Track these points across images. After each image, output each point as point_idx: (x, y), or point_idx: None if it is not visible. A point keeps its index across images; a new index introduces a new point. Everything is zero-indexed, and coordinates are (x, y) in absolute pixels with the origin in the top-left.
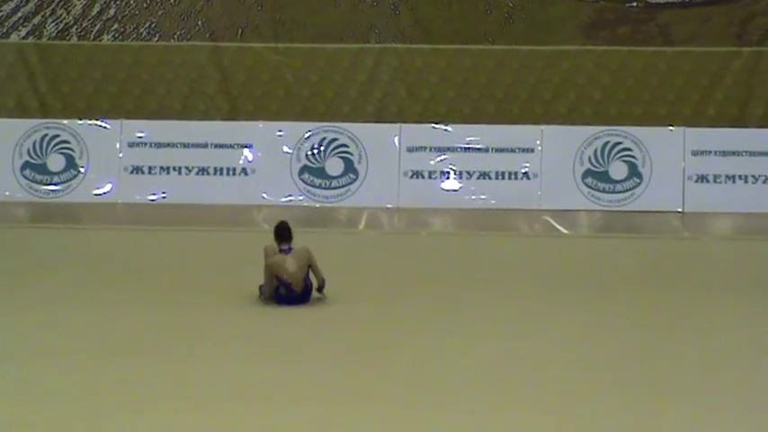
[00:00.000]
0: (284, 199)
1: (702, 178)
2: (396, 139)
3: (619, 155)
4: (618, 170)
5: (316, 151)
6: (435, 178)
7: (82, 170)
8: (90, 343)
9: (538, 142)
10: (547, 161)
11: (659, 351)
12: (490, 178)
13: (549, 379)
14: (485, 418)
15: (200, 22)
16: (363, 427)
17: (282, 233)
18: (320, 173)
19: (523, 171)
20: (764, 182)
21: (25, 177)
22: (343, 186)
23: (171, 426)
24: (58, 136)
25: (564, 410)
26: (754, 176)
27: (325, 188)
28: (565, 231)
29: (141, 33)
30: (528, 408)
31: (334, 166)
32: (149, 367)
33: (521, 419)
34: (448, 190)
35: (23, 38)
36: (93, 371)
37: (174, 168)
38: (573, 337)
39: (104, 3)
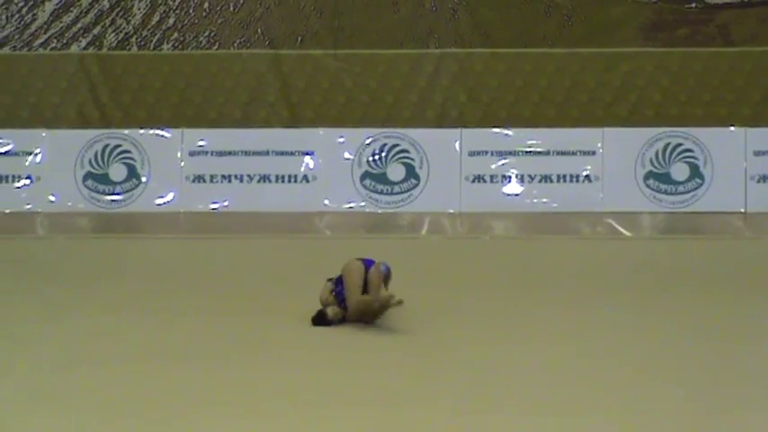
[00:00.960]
0: (346, 205)
1: (765, 178)
2: (457, 144)
3: (680, 156)
4: (680, 171)
5: (377, 157)
6: (497, 182)
7: (143, 180)
8: (148, 350)
9: (599, 145)
10: (608, 163)
11: (724, 356)
12: (552, 181)
13: (607, 383)
14: (538, 423)
15: (259, 30)
16: None
17: None
18: (382, 179)
19: (585, 174)
20: None
21: (87, 188)
22: (404, 192)
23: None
24: (119, 146)
25: (622, 415)
26: None
27: (386, 194)
28: (627, 234)
29: (201, 42)
30: (584, 413)
31: (395, 171)
32: (207, 373)
33: (579, 424)
34: (509, 194)
35: (84, 48)
36: (150, 377)
37: (236, 176)
38: (633, 340)
39: (164, 12)
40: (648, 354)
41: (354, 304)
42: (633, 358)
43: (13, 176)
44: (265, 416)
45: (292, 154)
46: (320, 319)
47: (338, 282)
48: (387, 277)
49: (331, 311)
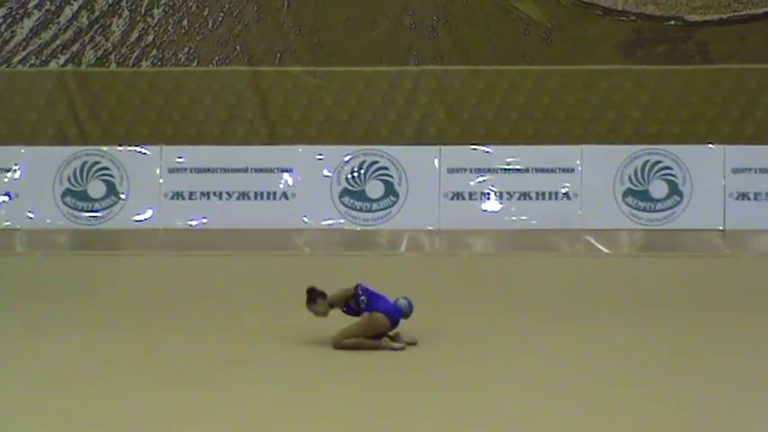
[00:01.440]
0: (325, 222)
1: (743, 196)
2: (436, 161)
3: (659, 173)
4: (658, 189)
5: (356, 174)
6: (476, 199)
7: (122, 196)
8: (129, 367)
9: (578, 162)
10: (587, 181)
11: (699, 371)
12: (530, 199)
13: (588, 399)
14: None
15: (238, 47)
16: None
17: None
18: (361, 196)
19: (564, 191)
20: None
21: (66, 205)
22: (383, 209)
23: None
24: (98, 163)
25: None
26: None
27: (365, 211)
28: (606, 251)
29: (180, 59)
30: (565, 430)
31: (374, 188)
32: (188, 391)
33: None
34: (488, 211)
35: (62, 65)
36: (132, 394)
37: (215, 193)
38: (613, 357)
39: (143, 29)
40: (628, 370)
41: (367, 321)
42: (613, 375)
43: None
44: None
45: (271, 171)
46: (313, 292)
47: (354, 306)
48: (407, 314)
49: (322, 306)
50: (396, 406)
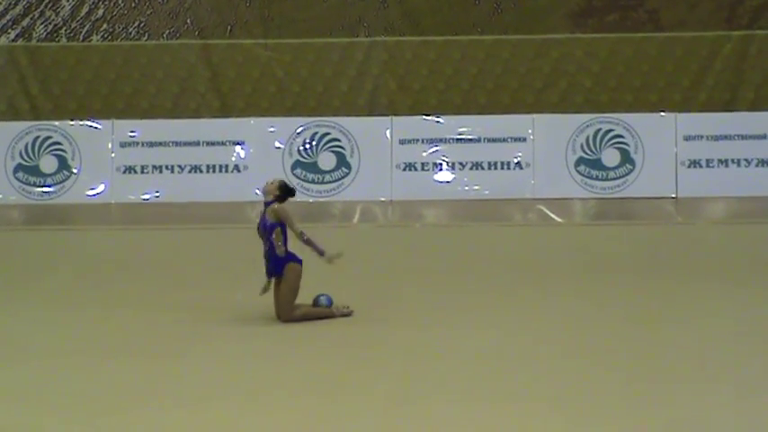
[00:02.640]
0: None
1: (695, 163)
2: (387, 132)
3: (611, 142)
4: (610, 157)
5: (308, 146)
6: (428, 170)
7: (75, 171)
8: (83, 343)
9: (530, 131)
10: (539, 150)
11: (652, 339)
12: (483, 169)
13: (542, 369)
14: (475, 410)
15: (188, 21)
16: (356, 422)
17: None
18: (313, 168)
19: (516, 161)
20: (756, 165)
21: (18, 180)
22: (336, 180)
23: (164, 425)
24: (50, 138)
25: (554, 400)
26: (746, 160)
27: (318, 183)
28: (559, 220)
29: (130, 33)
30: (519, 399)
31: (326, 160)
32: (143, 366)
33: (511, 410)
34: (441, 181)
35: (12, 40)
36: (86, 371)
37: (167, 167)
38: (567, 327)
39: (93, 3)
40: (580, 338)
41: (293, 277)
42: (565, 343)
43: None
44: (202, 407)
45: (223, 144)
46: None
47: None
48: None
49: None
50: (349, 377)
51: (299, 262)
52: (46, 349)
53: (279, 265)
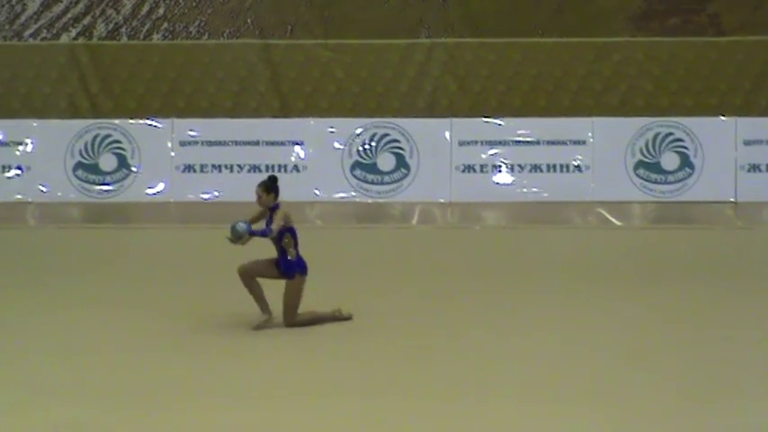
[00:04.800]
0: (336, 195)
1: (755, 168)
2: (447, 134)
3: (671, 145)
4: (670, 161)
5: (367, 147)
6: (487, 172)
7: (134, 170)
8: (140, 342)
9: (589, 134)
10: (598, 153)
11: (713, 344)
12: (542, 171)
13: (596, 372)
14: (529, 411)
15: (249, 20)
16: (409, 423)
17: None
18: (372, 168)
19: (575, 163)
20: None
21: (78, 178)
22: (395, 182)
23: (213, 422)
24: (109, 136)
25: (608, 402)
26: None
27: (377, 183)
28: (618, 223)
29: (191, 32)
30: (571, 402)
31: (385, 161)
32: (195, 364)
33: (562, 413)
34: (500, 183)
35: (74, 39)
36: (140, 368)
37: (226, 166)
38: (624, 330)
39: (154, 2)
40: (637, 342)
41: (299, 283)
42: (622, 347)
43: (4, 166)
44: (252, 405)
45: (283, 144)
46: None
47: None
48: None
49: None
50: (401, 378)
51: (305, 271)
52: (101, 346)
53: (290, 269)
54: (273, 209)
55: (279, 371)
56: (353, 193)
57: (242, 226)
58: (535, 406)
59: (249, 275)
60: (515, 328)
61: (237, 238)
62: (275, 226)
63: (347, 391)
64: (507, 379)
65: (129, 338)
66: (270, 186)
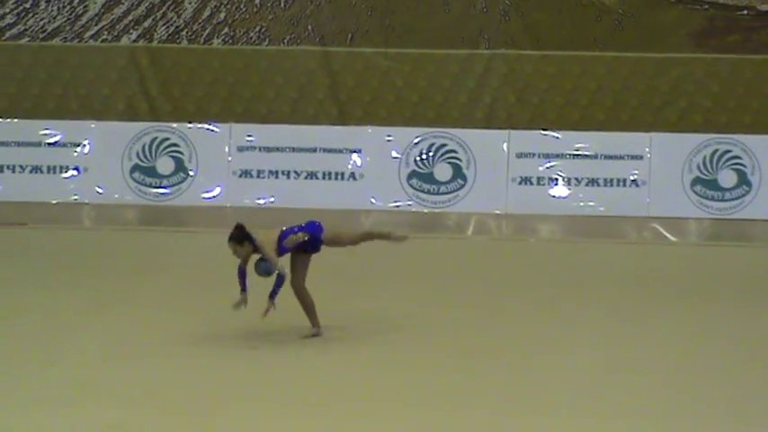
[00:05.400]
0: (392, 204)
1: None
2: (504, 145)
3: (728, 163)
4: (727, 178)
5: (424, 156)
6: (544, 184)
7: (191, 173)
8: (192, 345)
9: (647, 149)
10: (656, 168)
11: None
12: (599, 185)
13: (644, 387)
14: (578, 426)
15: (309, 27)
16: None
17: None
18: (429, 178)
19: (632, 178)
20: None
21: (134, 180)
22: (451, 192)
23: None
24: (167, 139)
25: (656, 421)
26: None
27: (433, 193)
28: (673, 239)
29: (251, 37)
30: (622, 416)
31: (442, 171)
32: (250, 370)
33: (614, 428)
34: (556, 196)
35: (134, 41)
36: (196, 371)
37: (283, 172)
38: (673, 346)
39: (215, 7)
40: (689, 361)
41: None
42: (673, 365)
43: (61, 167)
44: (310, 412)
45: (340, 151)
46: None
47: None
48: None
49: (246, 249)
50: (456, 388)
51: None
52: (153, 349)
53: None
54: (255, 249)
55: (331, 378)
56: (409, 203)
57: (266, 265)
58: (584, 420)
59: (301, 286)
60: (566, 342)
61: (269, 274)
62: (273, 260)
63: (400, 401)
64: (558, 394)
65: (180, 341)
66: (240, 237)
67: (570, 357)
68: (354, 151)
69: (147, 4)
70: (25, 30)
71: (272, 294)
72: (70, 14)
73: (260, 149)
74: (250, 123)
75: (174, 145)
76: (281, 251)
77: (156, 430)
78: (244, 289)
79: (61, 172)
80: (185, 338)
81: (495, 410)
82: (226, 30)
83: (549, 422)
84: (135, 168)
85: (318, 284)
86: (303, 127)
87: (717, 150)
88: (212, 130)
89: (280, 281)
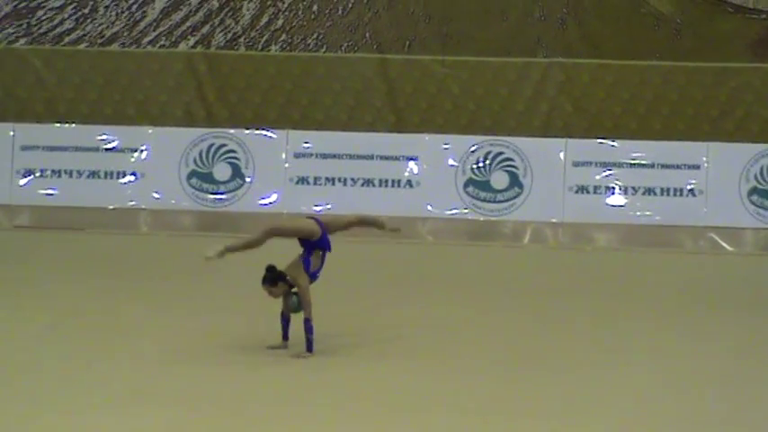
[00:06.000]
0: (449, 212)
1: None
2: (561, 154)
3: None
4: None
5: (481, 164)
6: (600, 193)
7: (248, 180)
8: (246, 350)
9: (704, 159)
10: (712, 178)
11: None
12: (655, 194)
13: (698, 400)
14: None
15: (367, 34)
16: None
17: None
18: (485, 186)
19: (689, 188)
20: None
21: (191, 186)
22: (508, 200)
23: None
24: (224, 145)
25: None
26: None
27: (490, 201)
28: (730, 249)
29: (309, 44)
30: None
31: (499, 179)
32: (305, 374)
33: None
34: (613, 205)
35: (192, 47)
36: (248, 377)
37: (340, 179)
38: (732, 360)
39: (273, 14)
40: (745, 373)
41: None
42: (729, 377)
43: (118, 173)
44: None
45: (397, 159)
46: (274, 272)
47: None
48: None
49: (282, 288)
50: (505, 397)
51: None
52: (208, 354)
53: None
54: (291, 285)
55: (388, 385)
56: (465, 210)
57: (295, 303)
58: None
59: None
60: (621, 352)
61: (297, 311)
62: (306, 299)
63: (457, 409)
64: (611, 404)
65: (237, 345)
66: (273, 279)
67: (625, 368)
68: (411, 159)
69: (206, 10)
70: (84, 35)
71: (309, 347)
72: (128, 20)
73: (317, 156)
74: (307, 130)
75: (232, 151)
76: (312, 277)
77: None
78: (285, 336)
79: (118, 177)
80: (243, 342)
81: (550, 419)
82: (283, 36)
83: (601, 430)
84: (192, 174)
85: (374, 290)
86: (360, 134)
87: None
88: (269, 137)
89: (309, 328)
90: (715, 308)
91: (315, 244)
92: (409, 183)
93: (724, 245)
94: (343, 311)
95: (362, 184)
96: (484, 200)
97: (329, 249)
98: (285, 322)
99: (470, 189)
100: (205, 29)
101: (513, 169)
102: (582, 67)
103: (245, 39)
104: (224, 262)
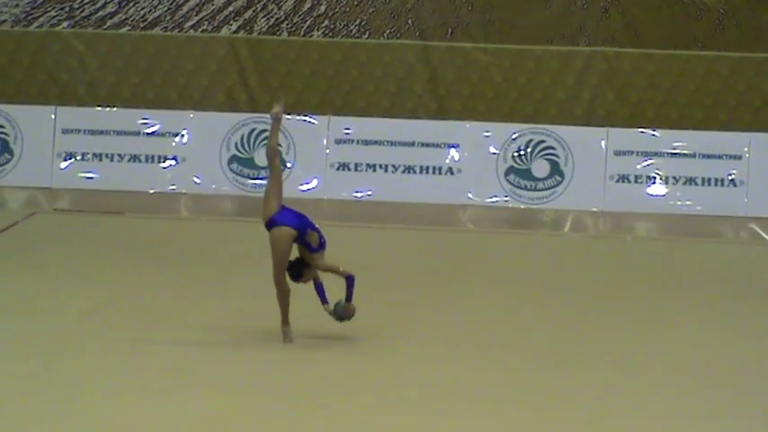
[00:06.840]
0: (489, 199)
1: None
2: (603, 143)
3: None
4: None
5: (522, 153)
6: (641, 183)
7: (289, 165)
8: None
9: (746, 149)
10: (754, 169)
11: None
12: (696, 184)
13: (739, 389)
14: (675, 428)
15: (410, 21)
16: None
17: None
18: (526, 174)
19: (730, 178)
20: None
21: (232, 171)
22: (548, 189)
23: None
24: (266, 131)
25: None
26: None
27: (530, 190)
28: None
29: (351, 30)
30: (720, 418)
31: (540, 167)
32: (347, 362)
33: (715, 429)
34: (654, 195)
35: (234, 32)
36: (284, 360)
37: (381, 166)
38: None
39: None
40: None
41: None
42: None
43: (159, 157)
44: (403, 406)
45: (438, 146)
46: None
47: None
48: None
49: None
50: (553, 388)
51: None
52: (248, 337)
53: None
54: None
55: (429, 373)
56: (506, 198)
57: (340, 311)
58: (681, 420)
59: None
60: (662, 341)
61: (341, 320)
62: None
63: (499, 398)
64: (653, 393)
65: (277, 331)
66: (299, 270)
67: (666, 357)
68: (452, 146)
69: None
70: (126, 19)
71: (348, 298)
72: (171, 4)
73: (358, 142)
74: (348, 116)
75: None
76: (321, 248)
77: (253, 418)
78: (324, 300)
79: (159, 162)
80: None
81: (591, 409)
82: (326, 22)
83: (643, 422)
84: (233, 159)
85: (414, 278)
86: (401, 121)
87: None
88: (311, 122)
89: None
90: (755, 298)
91: (300, 238)
92: (450, 170)
93: (764, 236)
94: (383, 300)
95: (403, 171)
96: (525, 188)
97: (313, 229)
98: (320, 288)
99: (511, 177)
100: (248, 14)
101: (555, 158)
102: (624, 57)
103: (287, 24)
104: (265, 249)
